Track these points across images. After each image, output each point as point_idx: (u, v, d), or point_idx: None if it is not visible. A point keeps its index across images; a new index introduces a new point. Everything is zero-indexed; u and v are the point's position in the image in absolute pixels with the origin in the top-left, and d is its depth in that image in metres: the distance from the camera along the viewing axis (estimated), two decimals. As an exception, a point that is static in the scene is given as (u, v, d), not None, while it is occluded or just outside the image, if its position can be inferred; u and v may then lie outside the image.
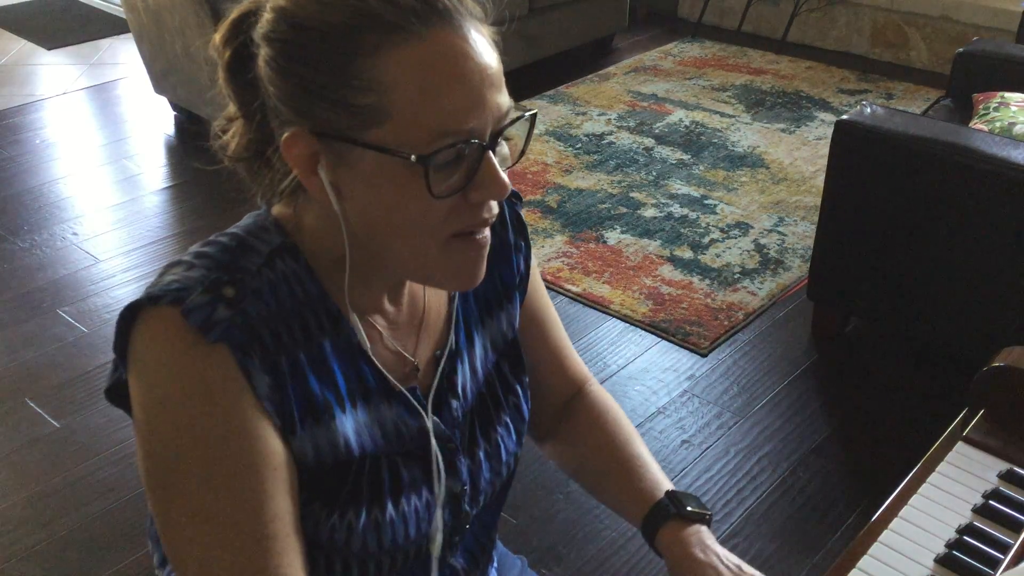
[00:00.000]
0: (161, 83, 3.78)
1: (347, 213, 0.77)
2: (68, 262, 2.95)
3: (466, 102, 0.72)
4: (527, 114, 0.79)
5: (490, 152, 0.75)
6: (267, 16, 0.76)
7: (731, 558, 0.92)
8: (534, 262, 1.05)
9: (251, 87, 0.78)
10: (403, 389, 0.87)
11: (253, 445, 0.75)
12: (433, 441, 0.89)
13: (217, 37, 0.81)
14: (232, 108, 0.83)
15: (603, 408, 1.09)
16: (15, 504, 2.07)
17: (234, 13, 0.80)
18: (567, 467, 1.12)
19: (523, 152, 0.80)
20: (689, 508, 0.96)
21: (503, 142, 0.78)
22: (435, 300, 0.94)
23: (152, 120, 3.94)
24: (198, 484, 0.74)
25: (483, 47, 0.74)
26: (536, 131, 3.66)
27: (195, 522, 0.74)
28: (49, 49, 4.71)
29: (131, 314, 0.77)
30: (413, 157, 0.72)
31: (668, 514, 0.96)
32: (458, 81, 0.72)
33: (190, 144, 3.72)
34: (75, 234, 3.11)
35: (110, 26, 4.95)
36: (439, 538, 0.90)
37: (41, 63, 4.57)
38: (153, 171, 3.56)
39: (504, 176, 0.76)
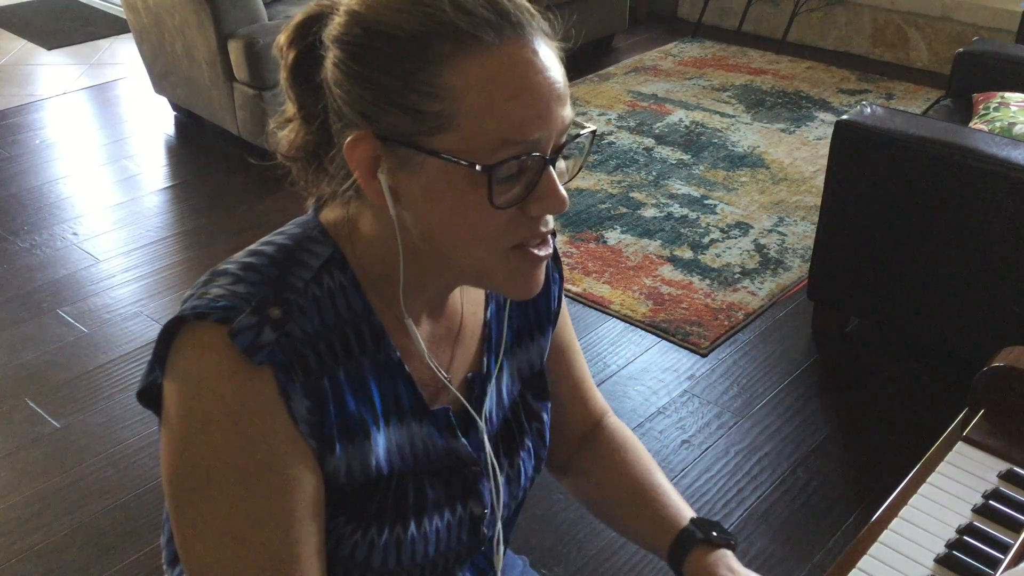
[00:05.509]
0: (161, 83, 3.78)
1: (403, 219, 0.77)
2: (68, 262, 2.95)
3: (532, 113, 0.72)
4: (587, 130, 0.79)
5: (551, 166, 0.75)
6: (339, 19, 0.76)
7: None
8: (563, 296, 1.06)
9: (314, 89, 0.78)
10: (447, 409, 0.88)
11: (285, 470, 0.76)
12: (489, 453, 0.90)
13: (282, 38, 0.81)
14: (290, 108, 0.82)
15: (622, 439, 1.09)
16: (15, 504, 2.07)
17: (301, 15, 0.80)
18: (586, 499, 1.12)
19: (580, 167, 0.80)
20: (715, 534, 0.97)
21: (563, 158, 0.78)
22: (471, 319, 0.94)
23: (152, 120, 3.94)
24: (228, 506, 0.75)
25: (551, 61, 0.75)
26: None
27: (222, 542, 0.75)
28: (49, 49, 4.71)
29: (175, 326, 0.77)
30: (478, 166, 0.72)
31: (695, 540, 0.96)
32: (526, 92, 0.72)
33: (190, 144, 3.73)
34: (75, 234, 3.11)
35: (110, 26, 4.95)
36: (501, 551, 0.92)
37: (41, 63, 4.57)
38: (153, 171, 3.56)
39: (563, 191, 0.76)
